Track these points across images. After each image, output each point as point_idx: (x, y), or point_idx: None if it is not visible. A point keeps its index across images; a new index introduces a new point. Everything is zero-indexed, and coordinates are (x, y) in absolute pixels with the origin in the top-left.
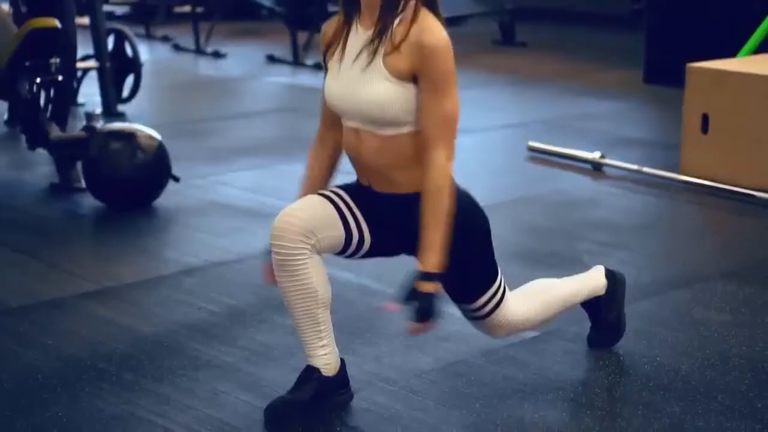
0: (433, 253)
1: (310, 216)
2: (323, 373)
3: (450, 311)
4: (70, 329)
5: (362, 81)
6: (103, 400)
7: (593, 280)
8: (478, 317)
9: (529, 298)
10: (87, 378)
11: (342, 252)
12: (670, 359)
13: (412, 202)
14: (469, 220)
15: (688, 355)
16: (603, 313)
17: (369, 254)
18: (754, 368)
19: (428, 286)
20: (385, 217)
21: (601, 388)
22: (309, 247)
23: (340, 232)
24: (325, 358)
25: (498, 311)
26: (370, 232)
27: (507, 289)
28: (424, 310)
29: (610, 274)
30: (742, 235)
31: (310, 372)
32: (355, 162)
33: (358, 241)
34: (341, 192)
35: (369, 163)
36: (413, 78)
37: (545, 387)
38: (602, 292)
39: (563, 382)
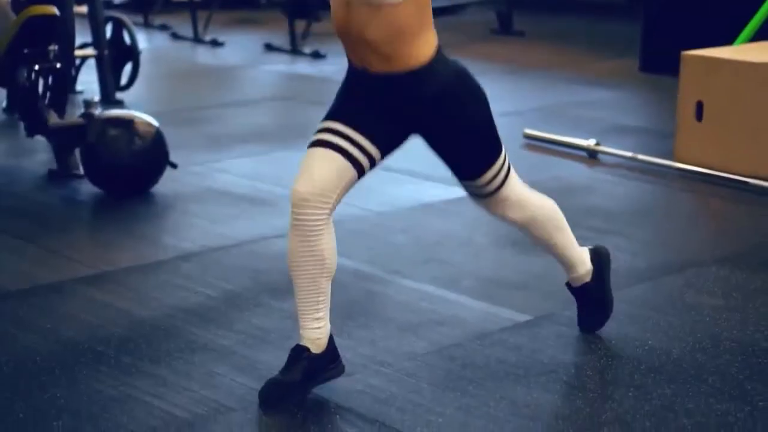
0: None
1: (324, 178)
2: (312, 351)
3: (444, 296)
4: (68, 313)
5: None
6: (101, 382)
7: (580, 259)
8: (488, 193)
9: (536, 195)
10: (85, 361)
11: (359, 179)
12: (662, 343)
13: (411, 80)
14: (471, 91)
15: (679, 338)
16: (589, 294)
17: (384, 158)
18: (745, 351)
19: None
20: (387, 102)
21: (593, 371)
22: (327, 211)
23: (352, 173)
24: (318, 332)
25: (506, 186)
26: (376, 143)
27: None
28: None
29: (595, 257)
30: (735, 221)
31: (300, 352)
32: (346, 39)
33: (369, 164)
34: (338, 126)
35: (360, 37)
36: None
37: (538, 370)
38: (588, 278)
39: (556, 365)
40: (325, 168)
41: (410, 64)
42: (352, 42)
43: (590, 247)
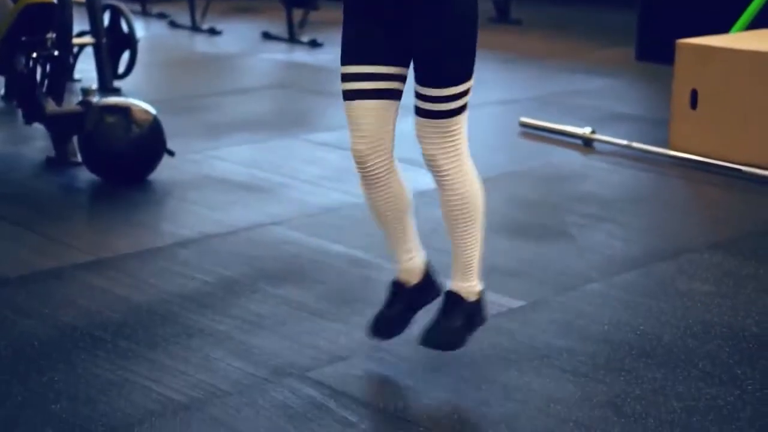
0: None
1: (372, 130)
2: (407, 285)
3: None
4: (66, 299)
5: None
6: (99, 366)
7: (478, 276)
8: (439, 112)
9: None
10: (83, 345)
11: (401, 98)
12: (654, 328)
13: None
14: (466, 4)
15: (671, 324)
16: (460, 311)
17: (410, 65)
18: (735, 337)
19: None
20: (387, 19)
21: (585, 356)
22: (386, 157)
23: (393, 105)
24: (411, 262)
25: (459, 118)
26: (397, 63)
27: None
28: None
29: (482, 299)
30: (728, 208)
31: (398, 287)
32: None
33: (402, 82)
34: (357, 69)
35: None
36: None
37: (530, 354)
38: (473, 297)
39: (548, 349)
40: (369, 119)
41: None
42: None
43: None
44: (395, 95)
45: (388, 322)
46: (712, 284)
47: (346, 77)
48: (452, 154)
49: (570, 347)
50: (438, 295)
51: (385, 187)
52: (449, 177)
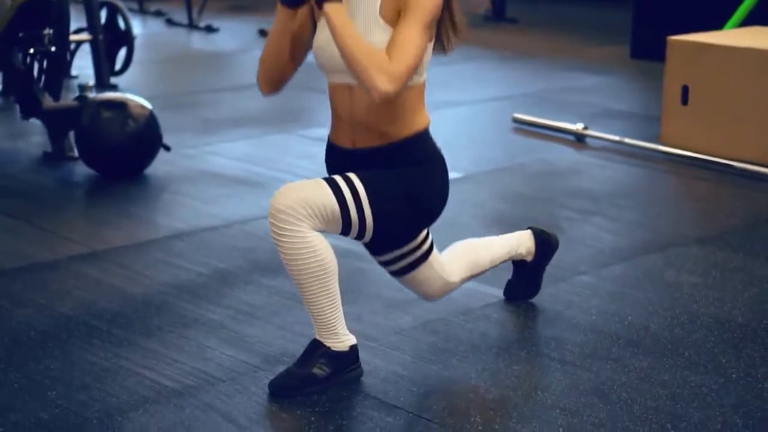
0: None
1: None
2: (332, 348)
3: None
4: (62, 290)
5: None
6: (94, 354)
7: (522, 245)
8: (400, 269)
9: (457, 261)
10: (78, 334)
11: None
12: (641, 318)
13: (390, 149)
14: (426, 180)
15: (658, 314)
16: (527, 269)
17: None
18: (721, 327)
19: None
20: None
21: (573, 345)
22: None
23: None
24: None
25: (415, 272)
26: None
27: (432, 250)
28: None
29: (542, 240)
30: (717, 203)
31: (317, 346)
32: (343, 121)
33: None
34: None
35: (361, 119)
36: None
37: (519, 343)
38: (529, 257)
39: (537, 338)
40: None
41: (395, 139)
42: (350, 123)
43: (539, 229)
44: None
45: (296, 381)
46: (700, 276)
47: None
48: (429, 287)
49: (558, 337)
50: (359, 374)
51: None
52: (439, 293)
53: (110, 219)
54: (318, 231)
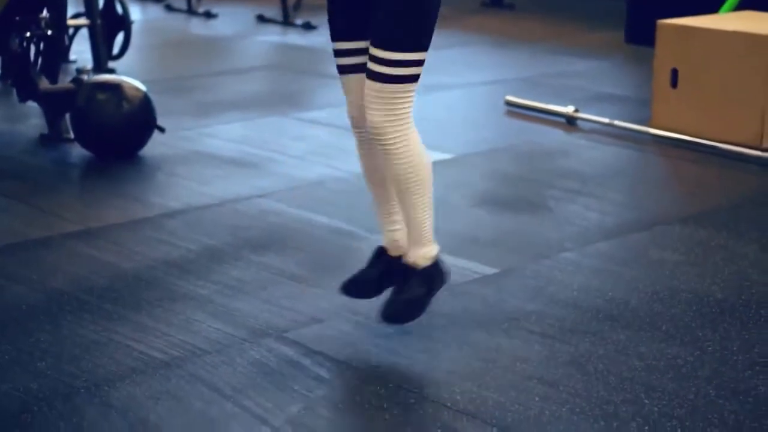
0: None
1: (360, 101)
2: (388, 253)
3: None
4: (54, 266)
5: None
6: (84, 327)
7: (430, 240)
8: (386, 75)
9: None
10: (69, 308)
11: None
12: (622, 293)
13: None
14: None
15: (639, 290)
16: (413, 283)
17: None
18: (700, 302)
19: None
20: None
21: (553, 319)
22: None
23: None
24: (393, 234)
25: (406, 86)
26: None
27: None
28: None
29: (439, 264)
30: (704, 183)
31: (381, 251)
32: None
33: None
34: (343, 45)
35: None
36: None
37: (501, 318)
38: (429, 262)
39: (518, 313)
40: (354, 91)
41: None
42: None
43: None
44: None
45: (362, 282)
46: (682, 254)
47: (335, 53)
48: (397, 122)
49: (539, 311)
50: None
51: (374, 150)
52: (394, 145)
53: (104, 198)
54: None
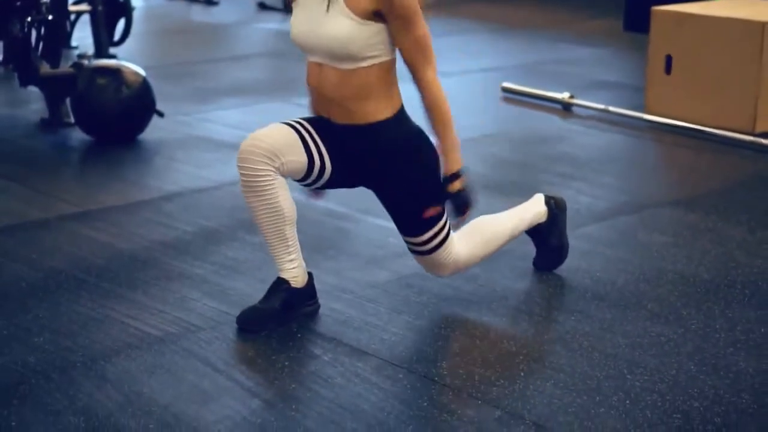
0: (452, 154)
1: (275, 141)
2: (292, 285)
3: None
4: (53, 246)
5: (325, 19)
6: (81, 305)
7: (533, 209)
8: (423, 252)
9: (473, 237)
10: (67, 287)
11: (304, 179)
12: (610, 274)
13: (369, 132)
14: (421, 154)
15: (626, 271)
16: (545, 237)
17: (329, 184)
18: (686, 282)
19: (457, 184)
20: (344, 148)
21: (541, 298)
22: (273, 169)
23: (303, 158)
24: (294, 271)
25: (443, 248)
26: (331, 162)
27: (451, 229)
28: (461, 205)
29: (550, 201)
30: (695, 168)
31: (280, 283)
32: (316, 94)
33: (320, 169)
34: (304, 123)
35: (329, 95)
36: (376, 16)
37: (489, 297)
38: (543, 219)
39: (507, 293)
40: (281, 136)
41: (369, 120)
42: (321, 97)
43: (546, 195)
44: (310, 159)
45: (260, 316)
46: (671, 236)
47: (294, 120)
48: (446, 264)
49: (528, 290)
50: (315, 302)
51: (265, 197)
52: (457, 270)
53: (103, 181)
54: None
